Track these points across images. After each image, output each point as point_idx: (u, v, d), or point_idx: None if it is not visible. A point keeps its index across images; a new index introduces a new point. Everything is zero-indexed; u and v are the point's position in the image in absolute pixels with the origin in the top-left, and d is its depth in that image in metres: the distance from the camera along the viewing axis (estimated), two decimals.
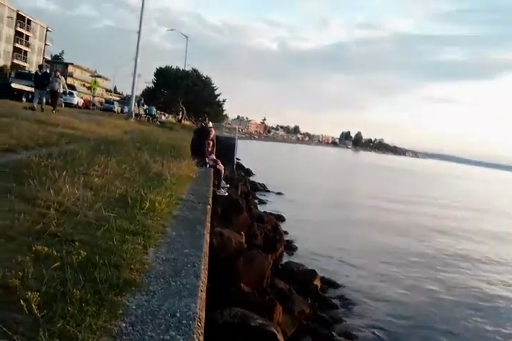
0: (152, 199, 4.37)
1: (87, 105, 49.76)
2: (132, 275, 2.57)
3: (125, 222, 3.55)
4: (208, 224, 4.41)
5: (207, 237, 3.82)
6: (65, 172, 4.78)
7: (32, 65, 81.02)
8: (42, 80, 20.26)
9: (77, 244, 2.85)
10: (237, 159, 40.55)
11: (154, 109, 44.66)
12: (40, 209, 3.47)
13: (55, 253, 2.60)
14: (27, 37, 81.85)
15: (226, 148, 27.70)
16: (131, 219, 3.71)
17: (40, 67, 22.32)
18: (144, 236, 3.32)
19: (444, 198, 42.82)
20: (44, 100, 20.76)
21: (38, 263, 2.44)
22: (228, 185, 11.38)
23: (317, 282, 12.36)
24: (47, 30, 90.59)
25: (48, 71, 22.14)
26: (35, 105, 19.51)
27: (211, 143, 10.72)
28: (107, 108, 52.27)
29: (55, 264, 2.43)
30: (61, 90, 21.93)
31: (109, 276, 2.42)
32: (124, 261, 2.71)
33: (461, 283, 14.94)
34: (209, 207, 5.26)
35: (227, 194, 10.73)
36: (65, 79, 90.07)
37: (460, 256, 18.66)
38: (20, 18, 78.77)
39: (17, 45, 78.67)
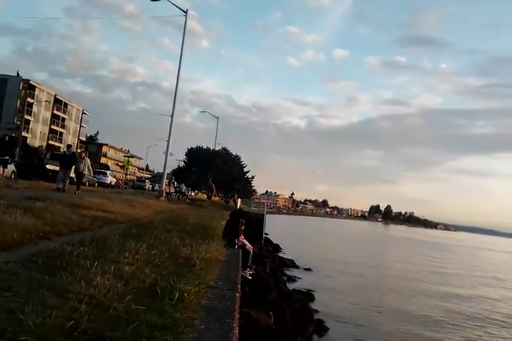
0: (181, 289, 4.39)
1: (120, 184, 51.07)
2: None
3: (154, 315, 3.56)
4: (237, 315, 4.36)
5: (235, 331, 3.78)
6: (96, 261, 4.88)
7: None
8: (68, 160, 20.42)
9: None
10: (266, 234, 40.34)
11: (184, 187, 45.52)
12: (71, 303, 3.52)
13: None
14: (63, 119, 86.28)
15: (254, 224, 27.67)
16: (161, 311, 3.72)
17: (69, 146, 22.77)
18: (172, 332, 3.31)
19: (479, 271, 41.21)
20: (67, 181, 20.48)
21: None
22: (254, 268, 11.26)
23: None
24: (83, 112, 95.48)
25: (75, 151, 22.95)
26: (62, 186, 19.55)
27: (242, 224, 10.81)
28: (138, 186, 53.59)
29: None
30: (86, 171, 21.82)
31: None
32: None
33: None
34: (238, 294, 5.23)
35: (250, 278, 10.57)
36: (99, 159, 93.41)
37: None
38: (57, 101, 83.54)
39: (53, 126, 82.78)
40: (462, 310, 22.29)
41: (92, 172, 22.91)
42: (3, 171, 21.19)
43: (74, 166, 20.61)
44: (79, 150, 24.39)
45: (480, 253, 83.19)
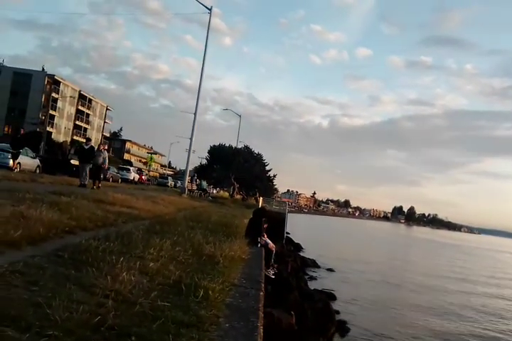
0: (206, 287, 4.37)
1: (143, 180, 51.54)
2: None
3: (179, 312, 3.54)
4: (262, 314, 4.32)
5: (260, 330, 3.73)
6: (122, 257, 4.89)
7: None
8: (87, 154, 19.98)
9: (133, 338, 2.85)
10: (287, 233, 40.24)
11: (206, 184, 45.71)
12: (98, 299, 3.52)
13: None
14: (87, 115, 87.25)
15: (276, 223, 27.60)
16: (186, 308, 3.70)
17: (88, 140, 22.15)
18: (198, 329, 3.28)
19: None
20: (87, 175, 19.92)
21: None
22: (276, 267, 11.22)
23: None
24: (107, 108, 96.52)
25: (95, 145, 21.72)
26: (85, 181, 19.38)
27: (265, 223, 10.77)
28: (161, 183, 53.99)
29: None
30: (106, 165, 21.54)
31: None
32: None
33: None
34: (262, 293, 5.18)
35: (274, 277, 10.53)
36: (122, 155, 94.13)
37: None
38: (81, 97, 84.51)
39: (77, 122, 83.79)
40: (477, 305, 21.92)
41: (106, 164, 21.77)
42: (14, 164, 21.56)
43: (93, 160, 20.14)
44: (98, 144, 23.77)
45: (503, 256, 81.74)
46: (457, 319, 19.83)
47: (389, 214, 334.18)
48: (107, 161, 21.55)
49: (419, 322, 18.36)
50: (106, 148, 23.66)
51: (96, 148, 20.98)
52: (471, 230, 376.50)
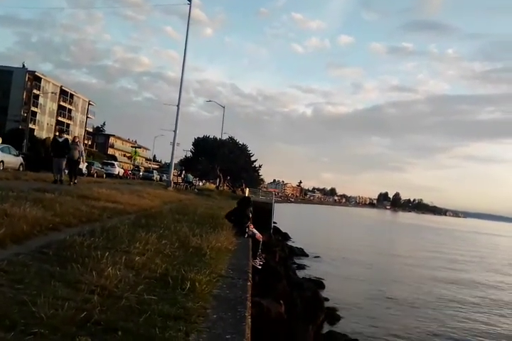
0: (192, 279, 4.37)
1: (128, 174, 51.19)
2: None
3: (166, 305, 3.54)
4: (249, 304, 4.34)
5: (248, 320, 3.75)
6: (107, 252, 4.87)
7: None
8: (62, 147, 18.23)
9: (119, 333, 2.85)
10: (274, 223, 40.42)
11: (191, 177, 45.59)
12: (83, 295, 3.50)
13: None
14: (70, 110, 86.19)
15: (263, 213, 27.70)
16: (173, 301, 3.70)
17: (60, 132, 20.39)
18: (185, 321, 3.28)
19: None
20: (63, 171, 18.44)
21: None
22: (264, 257, 11.24)
23: None
24: (89, 103, 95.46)
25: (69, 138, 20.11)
26: (60, 177, 17.90)
27: (250, 213, 10.77)
28: (146, 177, 53.70)
29: None
30: (81, 159, 19.55)
31: None
32: None
33: None
34: (249, 283, 5.21)
35: (260, 267, 10.56)
36: (106, 149, 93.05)
37: None
38: (63, 92, 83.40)
39: (60, 118, 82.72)
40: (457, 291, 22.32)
41: (84, 158, 20.11)
42: None
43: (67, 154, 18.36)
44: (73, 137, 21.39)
45: (489, 239, 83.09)
46: (444, 308, 20.16)
47: (375, 201, 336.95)
48: (84, 155, 19.63)
49: (406, 308, 18.63)
50: (81, 140, 21.86)
51: (71, 140, 19.36)
52: (456, 214, 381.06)
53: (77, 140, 19.58)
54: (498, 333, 16.06)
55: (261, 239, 10.63)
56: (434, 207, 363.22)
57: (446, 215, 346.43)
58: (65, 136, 19.61)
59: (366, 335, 14.07)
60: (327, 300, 17.41)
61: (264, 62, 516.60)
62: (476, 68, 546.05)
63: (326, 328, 14.20)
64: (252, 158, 62.05)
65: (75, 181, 18.26)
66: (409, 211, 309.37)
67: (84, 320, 2.96)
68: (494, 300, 21.84)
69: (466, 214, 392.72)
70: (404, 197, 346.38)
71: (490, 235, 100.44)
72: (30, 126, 71.07)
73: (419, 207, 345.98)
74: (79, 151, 18.84)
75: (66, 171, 19.05)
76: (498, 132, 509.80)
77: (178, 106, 32.48)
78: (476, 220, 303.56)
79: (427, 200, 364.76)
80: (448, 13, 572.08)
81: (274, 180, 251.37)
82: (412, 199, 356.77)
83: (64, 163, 18.20)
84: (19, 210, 6.58)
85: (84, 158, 19.98)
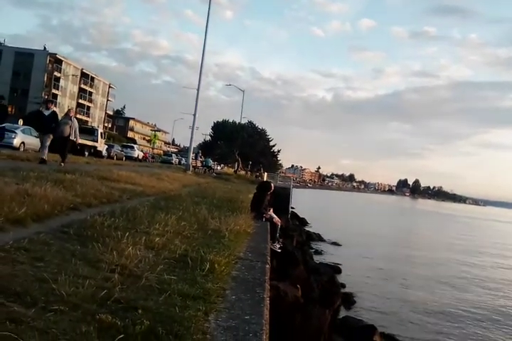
0: (212, 260, 4.36)
1: (147, 158, 51.51)
2: None
3: (186, 285, 3.54)
4: (268, 286, 4.33)
5: (266, 302, 3.73)
6: (127, 232, 4.89)
7: (94, 120, 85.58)
8: (48, 122, 15.35)
9: (139, 311, 2.84)
10: (292, 208, 40.41)
11: (211, 161, 45.72)
12: (104, 273, 3.51)
13: (119, 323, 2.59)
14: (90, 93, 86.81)
15: (281, 198, 27.69)
16: (192, 282, 3.70)
17: (47, 103, 16.81)
18: (204, 301, 3.28)
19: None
20: (46, 149, 15.53)
21: (102, 334, 2.44)
22: (282, 241, 11.23)
23: (377, 338, 11.83)
24: (109, 86, 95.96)
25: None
26: (45, 156, 15.20)
27: (269, 197, 10.75)
28: (165, 160, 54.02)
29: (119, 336, 2.41)
30: (73, 137, 15.97)
31: None
32: (186, 331, 2.67)
33: None
34: (267, 266, 5.19)
35: (280, 250, 10.56)
36: (126, 133, 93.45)
37: None
38: (84, 75, 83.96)
39: (80, 100, 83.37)
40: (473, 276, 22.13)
41: (78, 136, 16.56)
42: None
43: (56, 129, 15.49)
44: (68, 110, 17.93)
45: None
46: (462, 288, 20.02)
47: (394, 188, 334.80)
48: (77, 132, 16.36)
49: (424, 295, 18.53)
50: (75, 115, 18.71)
51: (65, 114, 16.84)
52: (476, 202, 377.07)
53: (71, 114, 16.58)
54: None
55: (279, 224, 10.62)
56: (454, 194, 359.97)
57: (465, 203, 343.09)
58: (54, 108, 16.32)
59: (382, 321, 14.05)
60: (343, 285, 17.40)
61: (283, 46, 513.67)
62: (501, 54, 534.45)
63: (343, 313, 14.20)
64: (271, 143, 62.02)
65: (63, 162, 15.55)
66: (429, 198, 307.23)
67: (105, 298, 2.97)
68: None
69: (486, 202, 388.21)
70: (423, 184, 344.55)
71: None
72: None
73: (439, 194, 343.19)
74: (71, 127, 15.81)
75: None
76: None
77: (197, 89, 32.44)
78: (495, 208, 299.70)
79: (446, 188, 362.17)
80: None
81: (293, 166, 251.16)
82: (431, 187, 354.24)
83: (49, 139, 15.50)
84: (40, 190, 6.63)
85: (78, 135, 16.48)
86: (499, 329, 14.93)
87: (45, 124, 15.40)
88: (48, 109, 15.85)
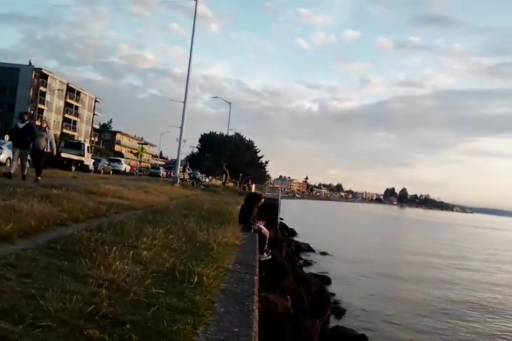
0: (200, 273, 4.37)
1: (134, 171, 51.33)
2: None
3: (174, 298, 3.54)
4: (257, 298, 4.34)
5: (255, 314, 3.75)
6: (114, 247, 4.89)
7: (81, 134, 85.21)
8: (23, 135, 14.68)
9: (128, 326, 2.85)
10: (281, 218, 40.41)
11: (199, 173, 45.66)
12: (91, 288, 3.51)
13: (107, 338, 2.59)
14: (76, 107, 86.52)
15: (269, 209, 27.65)
16: (180, 295, 3.70)
17: (22, 115, 16.08)
18: (193, 315, 3.28)
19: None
20: (27, 164, 15.24)
21: None
22: (270, 252, 11.24)
23: None
24: (95, 100, 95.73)
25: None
26: (12, 170, 14.49)
27: (258, 209, 10.79)
28: (153, 173, 53.85)
29: None
30: (48, 149, 15.50)
31: None
32: None
33: None
34: (256, 278, 5.20)
35: (270, 257, 10.60)
36: (113, 146, 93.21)
37: None
38: (70, 90, 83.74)
39: (66, 115, 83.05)
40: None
41: (54, 149, 16.22)
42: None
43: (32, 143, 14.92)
44: (38, 122, 18.06)
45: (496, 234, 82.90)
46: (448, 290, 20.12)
47: (381, 197, 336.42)
48: (54, 144, 16.03)
49: (412, 304, 18.58)
50: (50, 126, 18.00)
51: (39, 125, 16.31)
52: (463, 209, 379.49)
53: (44, 125, 16.06)
54: None
55: (267, 235, 10.63)
56: (441, 202, 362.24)
57: (453, 211, 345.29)
58: (27, 119, 15.90)
59: (373, 330, 14.04)
60: (334, 295, 17.41)
61: (269, 58, 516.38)
62: (484, 62, 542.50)
63: (333, 323, 14.19)
64: (259, 154, 62.20)
65: (39, 176, 14.71)
66: (416, 207, 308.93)
67: (93, 313, 2.96)
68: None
69: (474, 210, 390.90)
70: (410, 192, 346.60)
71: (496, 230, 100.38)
72: (37, 123, 71.29)
73: (426, 202, 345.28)
74: (46, 139, 15.40)
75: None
76: (506, 127, 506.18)
77: (184, 102, 32.52)
78: (482, 215, 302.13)
79: (433, 196, 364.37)
80: (455, 7, 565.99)
81: (281, 176, 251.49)
82: (418, 195, 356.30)
83: (26, 154, 15.07)
84: (26, 206, 6.60)
85: (54, 148, 16.15)
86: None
87: (19, 138, 14.84)
88: (22, 122, 15.23)
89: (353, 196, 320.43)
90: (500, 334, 15.24)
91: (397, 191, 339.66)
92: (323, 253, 29.92)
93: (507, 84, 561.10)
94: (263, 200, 11.34)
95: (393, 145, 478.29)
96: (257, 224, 10.34)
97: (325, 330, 12.70)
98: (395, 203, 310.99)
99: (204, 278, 4.25)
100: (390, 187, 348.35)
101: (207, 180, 63.79)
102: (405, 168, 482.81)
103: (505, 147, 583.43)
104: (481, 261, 35.70)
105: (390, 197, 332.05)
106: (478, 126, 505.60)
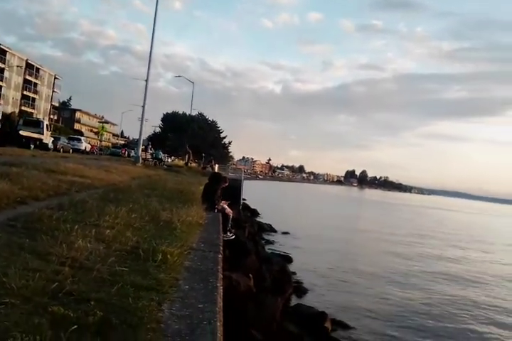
0: (164, 251, 4.38)
1: (94, 150, 50.34)
2: (148, 336, 2.55)
3: (138, 276, 3.56)
4: (221, 275, 4.39)
5: (220, 291, 3.80)
6: (76, 225, 4.83)
7: (40, 112, 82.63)
8: None
9: (92, 303, 2.85)
10: (244, 199, 40.58)
11: (161, 153, 45.15)
12: (54, 266, 3.48)
13: (72, 314, 2.59)
14: (35, 84, 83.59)
15: (232, 190, 27.71)
16: (144, 273, 3.71)
17: None
18: (157, 292, 3.31)
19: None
20: None
21: (55, 326, 2.43)
22: (234, 232, 11.32)
23: (328, 324, 12.13)
24: (55, 77, 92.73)
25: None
26: None
27: (221, 189, 10.80)
28: (114, 152, 52.95)
29: (73, 327, 2.41)
30: None
31: (126, 338, 2.41)
32: (140, 320, 2.70)
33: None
34: (220, 256, 5.25)
35: (233, 237, 10.69)
36: (73, 125, 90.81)
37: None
38: (28, 66, 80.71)
39: (25, 92, 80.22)
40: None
41: None
42: None
43: None
44: None
45: (448, 215, 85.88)
46: (409, 280, 20.81)
47: (342, 179, 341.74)
48: None
49: (372, 281, 19.13)
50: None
51: None
52: (421, 191, 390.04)
53: None
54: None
55: (231, 214, 10.69)
56: (400, 184, 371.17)
57: (411, 192, 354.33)
58: None
59: (333, 307, 14.41)
60: (295, 273, 17.72)
61: (233, 38, 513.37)
62: (444, 47, 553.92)
63: (294, 301, 14.47)
64: (222, 135, 61.89)
65: None
66: (376, 188, 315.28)
67: (56, 290, 2.95)
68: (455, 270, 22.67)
69: (432, 192, 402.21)
70: (370, 174, 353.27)
71: (446, 210, 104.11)
72: None
73: (386, 184, 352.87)
74: None
75: None
76: (464, 111, 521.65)
77: (146, 80, 31.93)
78: (439, 197, 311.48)
79: (392, 178, 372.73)
80: None
81: (244, 157, 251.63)
82: (378, 177, 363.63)
83: None
84: None
85: None
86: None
87: None
88: None
89: (314, 177, 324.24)
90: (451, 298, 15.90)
91: (358, 173, 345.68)
92: (285, 233, 30.28)
93: (466, 69, 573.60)
94: (227, 184, 11.35)
95: (354, 128, 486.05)
96: (221, 204, 10.38)
97: (286, 308, 12.96)
98: (355, 185, 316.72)
99: (168, 256, 4.27)
100: (350, 169, 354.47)
101: (169, 160, 63.20)
102: (365, 150, 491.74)
103: (463, 131, 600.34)
104: (429, 237, 37.27)
105: (351, 178, 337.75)
106: (437, 109, 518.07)
